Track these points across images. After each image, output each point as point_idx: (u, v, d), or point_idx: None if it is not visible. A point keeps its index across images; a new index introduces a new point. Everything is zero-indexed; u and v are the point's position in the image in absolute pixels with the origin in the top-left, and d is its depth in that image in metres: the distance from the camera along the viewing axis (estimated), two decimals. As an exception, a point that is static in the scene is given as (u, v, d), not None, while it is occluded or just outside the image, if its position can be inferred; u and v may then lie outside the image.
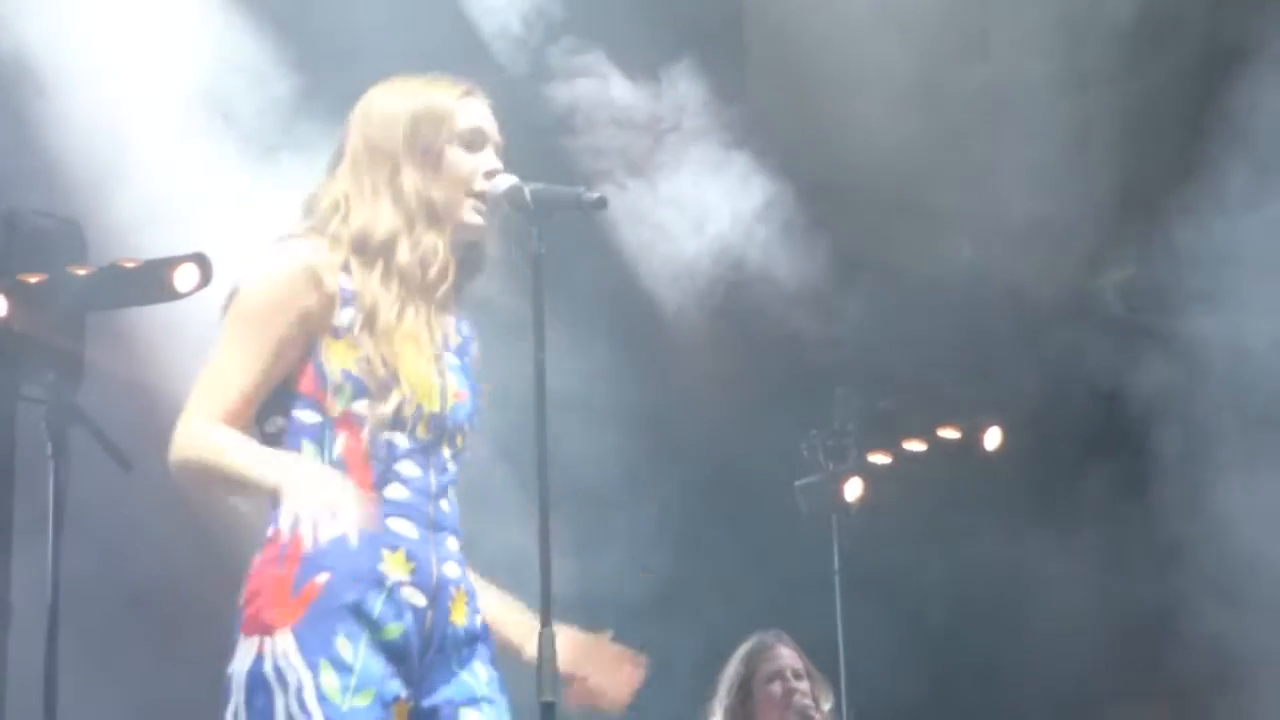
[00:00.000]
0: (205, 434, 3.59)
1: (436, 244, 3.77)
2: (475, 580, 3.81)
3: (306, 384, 3.68)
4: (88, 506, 5.79)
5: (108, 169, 6.96)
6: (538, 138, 4.01)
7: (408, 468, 3.69)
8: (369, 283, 3.71)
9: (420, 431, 3.70)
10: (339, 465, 3.63)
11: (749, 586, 8.67)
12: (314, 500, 3.42)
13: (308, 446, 3.66)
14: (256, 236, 6.53)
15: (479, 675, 3.72)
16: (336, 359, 3.67)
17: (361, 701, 3.55)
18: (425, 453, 3.70)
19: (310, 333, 3.67)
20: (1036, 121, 8.17)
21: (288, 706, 3.52)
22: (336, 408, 3.66)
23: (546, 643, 3.55)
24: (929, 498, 9.03)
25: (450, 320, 3.86)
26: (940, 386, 9.09)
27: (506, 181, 3.81)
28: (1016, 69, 8.13)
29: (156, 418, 6.82)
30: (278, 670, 3.54)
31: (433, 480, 3.71)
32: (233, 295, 3.73)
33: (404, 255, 3.74)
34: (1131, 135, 8.23)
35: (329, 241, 3.74)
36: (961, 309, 8.56)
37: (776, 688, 6.34)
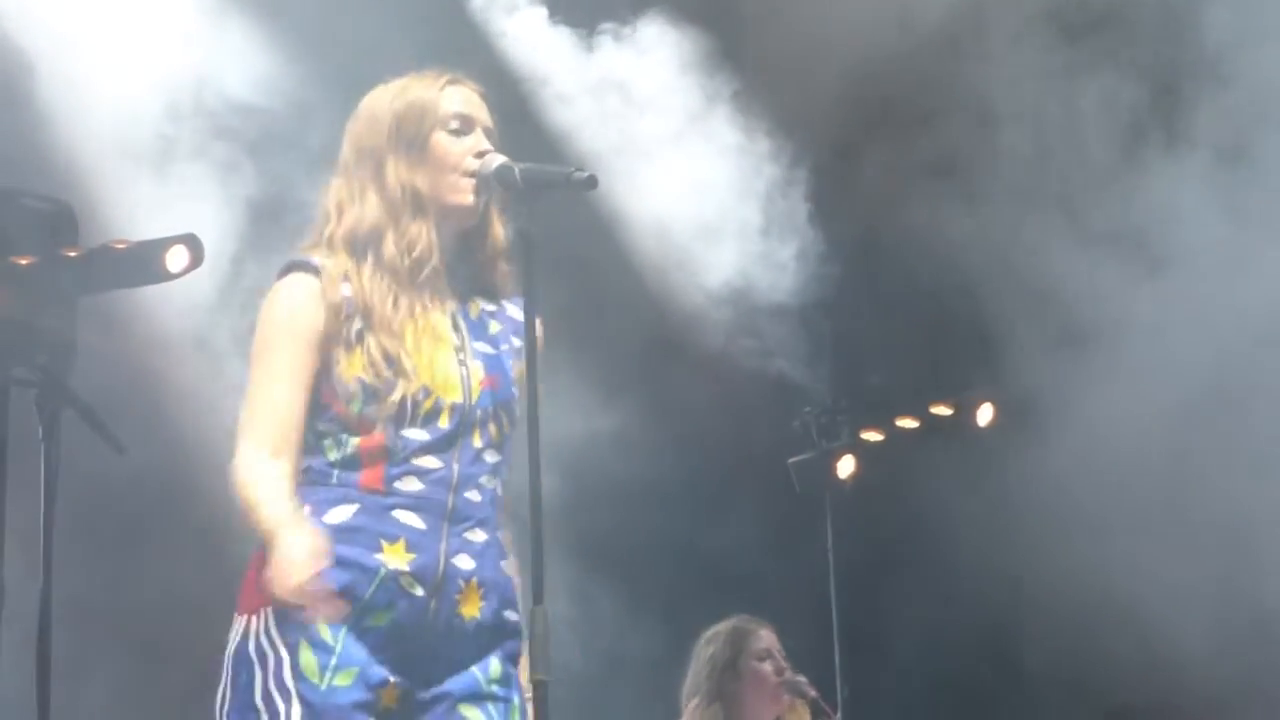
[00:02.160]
0: (249, 465, 3.70)
1: (422, 231, 3.81)
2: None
3: (326, 394, 3.78)
4: (79, 489, 5.79)
5: (100, 151, 6.97)
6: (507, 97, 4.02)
7: (426, 461, 3.73)
8: (363, 281, 3.78)
9: (442, 422, 3.74)
10: (350, 463, 3.73)
11: (742, 563, 8.68)
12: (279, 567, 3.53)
13: (328, 446, 3.75)
14: (245, 218, 6.56)
15: (491, 670, 3.75)
16: (349, 369, 3.75)
17: (342, 681, 3.60)
18: (448, 445, 3.74)
19: (327, 350, 3.76)
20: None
21: (265, 684, 3.59)
22: (352, 413, 3.74)
23: (539, 620, 3.55)
24: (922, 474, 9.03)
25: (485, 307, 3.88)
26: (933, 363, 9.09)
27: (496, 160, 3.82)
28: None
29: (148, 401, 6.86)
30: (259, 648, 3.62)
31: (455, 472, 3.74)
32: (262, 309, 3.85)
33: (390, 247, 3.80)
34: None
35: (325, 249, 3.83)
36: (956, 281, 8.54)
37: (768, 666, 6.32)
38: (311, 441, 3.76)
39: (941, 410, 9.27)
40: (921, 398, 9.25)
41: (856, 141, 8.32)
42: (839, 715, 6.99)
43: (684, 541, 8.73)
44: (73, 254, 5.73)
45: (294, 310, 3.78)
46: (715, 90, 7.73)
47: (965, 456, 8.89)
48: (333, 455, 3.74)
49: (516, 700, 3.77)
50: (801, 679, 6.36)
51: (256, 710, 3.59)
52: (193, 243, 6.10)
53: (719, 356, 8.38)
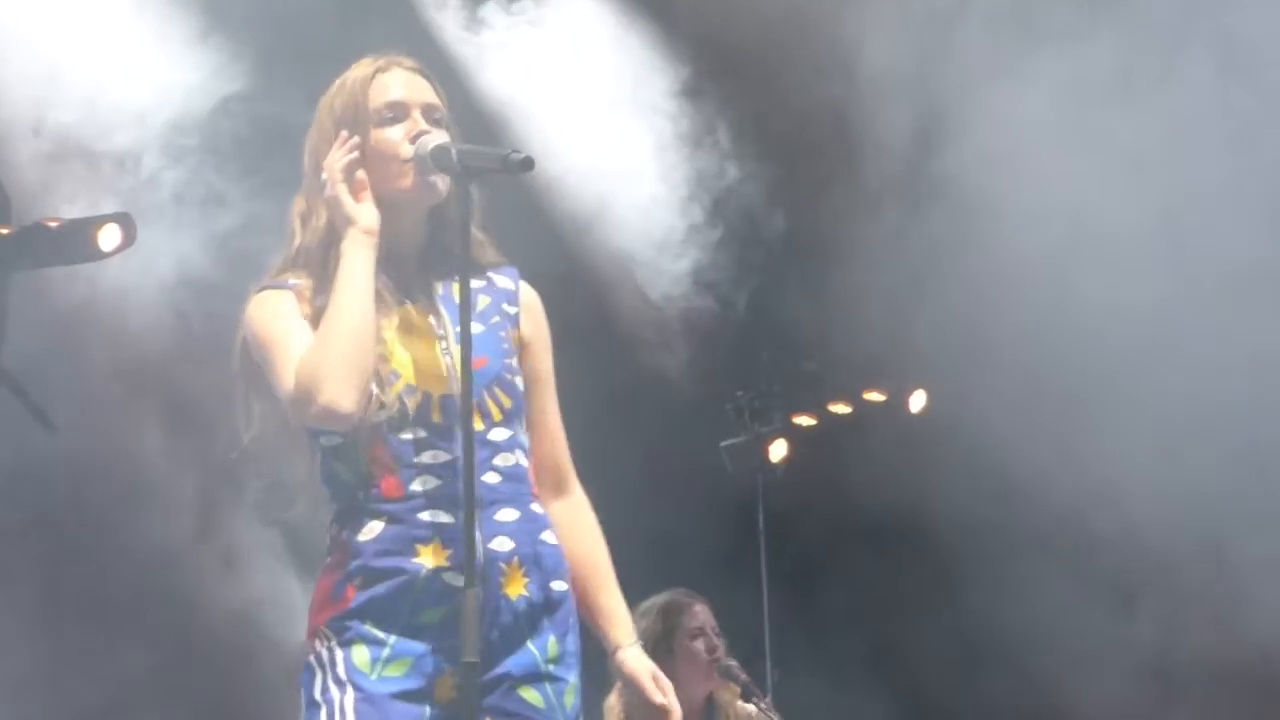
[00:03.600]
0: (306, 371, 3.64)
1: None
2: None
3: None
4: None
5: (33, 128, 6.94)
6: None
7: (432, 457, 3.72)
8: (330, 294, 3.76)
9: (435, 417, 3.73)
10: (365, 479, 3.72)
11: (674, 545, 8.70)
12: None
13: (338, 468, 3.73)
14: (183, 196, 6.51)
15: (549, 649, 3.76)
16: None
17: (394, 671, 3.64)
18: (447, 437, 3.73)
19: None
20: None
21: (324, 681, 3.67)
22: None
23: (470, 603, 3.55)
24: (853, 459, 9.06)
25: (473, 283, 3.79)
26: (866, 349, 9.12)
27: (433, 141, 3.78)
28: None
29: (78, 378, 6.82)
30: (317, 655, 3.69)
31: (463, 461, 3.68)
32: (244, 328, 3.78)
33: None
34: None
35: (291, 272, 3.80)
36: (885, 270, 8.56)
37: (700, 645, 6.30)
38: (323, 464, 3.75)
39: (874, 396, 9.31)
40: (854, 383, 9.29)
41: (785, 114, 8.26)
42: (769, 698, 7.00)
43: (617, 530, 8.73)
44: (4, 231, 5.71)
45: (281, 307, 3.76)
46: (638, 59, 7.71)
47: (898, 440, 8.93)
48: (346, 475, 3.73)
49: (573, 680, 3.79)
50: (733, 663, 6.34)
51: (318, 705, 3.67)
52: (125, 221, 6.08)
53: (648, 334, 8.37)
